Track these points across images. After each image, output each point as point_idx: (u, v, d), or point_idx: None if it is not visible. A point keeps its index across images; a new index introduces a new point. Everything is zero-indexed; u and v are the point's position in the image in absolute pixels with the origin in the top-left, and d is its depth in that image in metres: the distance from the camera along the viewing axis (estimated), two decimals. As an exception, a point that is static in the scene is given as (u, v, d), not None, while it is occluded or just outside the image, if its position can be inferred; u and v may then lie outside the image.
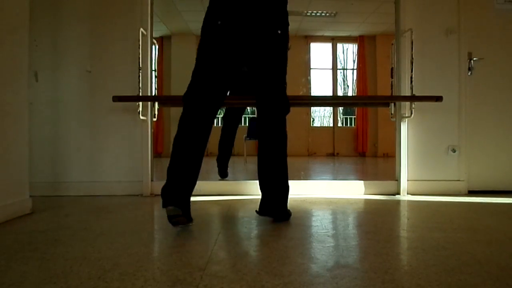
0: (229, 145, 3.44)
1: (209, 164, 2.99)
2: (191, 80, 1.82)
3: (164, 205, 1.67)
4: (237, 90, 2.85)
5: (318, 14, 6.83)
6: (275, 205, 1.85)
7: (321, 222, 1.93)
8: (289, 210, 1.93)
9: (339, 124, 8.58)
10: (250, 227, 1.83)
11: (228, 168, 3.43)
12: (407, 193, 2.84)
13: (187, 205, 1.70)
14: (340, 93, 8.82)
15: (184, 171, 1.72)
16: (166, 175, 1.73)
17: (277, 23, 1.80)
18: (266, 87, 1.85)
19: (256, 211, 1.89)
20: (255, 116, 6.95)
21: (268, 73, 1.84)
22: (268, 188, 1.85)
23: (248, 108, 5.50)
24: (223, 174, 3.36)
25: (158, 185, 2.80)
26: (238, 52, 1.79)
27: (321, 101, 3.93)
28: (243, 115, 3.91)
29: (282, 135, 1.86)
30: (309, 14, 6.83)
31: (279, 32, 1.79)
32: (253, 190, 2.76)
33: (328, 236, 1.67)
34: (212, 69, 1.80)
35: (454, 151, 2.92)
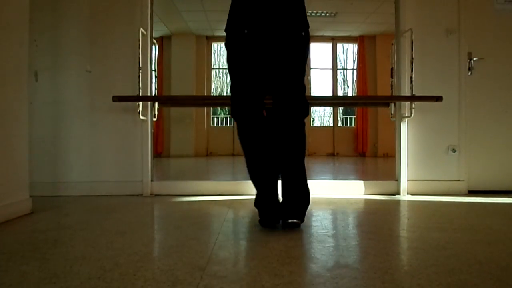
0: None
1: (210, 164, 2.99)
2: (232, 95, 1.86)
3: (264, 225, 1.77)
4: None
5: (318, 14, 6.83)
6: (294, 212, 1.76)
7: (321, 222, 1.93)
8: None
9: (339, 124, 8.57)
10: (250, 227, 1.83)
11: (228, 168, 3.43)
12: (407, 193, 2.84)
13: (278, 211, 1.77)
14: (340, 93, 8.81)
15: (264, 180, 1.83)
16: (254, 187, 1.87)
17: (301, 25, 1.81)
18: (286, 88, 1.83)
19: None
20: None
21: (289, 74, 1.82)
22: (288, 195, 1.79)
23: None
24: None
25: (158, 185, 2.82)
26: (268, 58, 1.79)
27: (321, 101, 3.93)
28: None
29: (301, 137, 1.83)
30: (309, 14, 6.80)
31: (303, 34, 1.80)
32: (253, 190, 2.76)
33: (328, 236, 1.67)
34: (250, 80, 1.82)
35: (454, 151, 2.92)
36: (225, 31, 1.86)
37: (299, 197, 1.78)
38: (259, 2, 1.77)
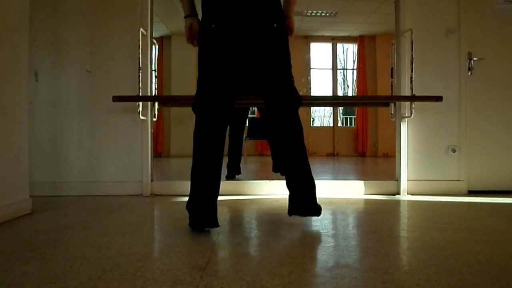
0: (238, 148, 3.45)
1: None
2: (197, 90, 1.80)
3: (194, 229, 1.70)
4: (241, 91, 2.85)
5: (318, 14, 6.83)
6: (305, 201, 1.77)
7: (321, 222, 1.93)
8: (319, 205, 1.87)
9: (339, 124, 8.58)
10: (250, 227, 1.83)
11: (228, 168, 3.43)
12: (407, 193, 2.84)
13: (214, 218, 1.70)
14: (340, 93, 8.82)
15: (208, 184, 1.72)
16: (190, 188, 1.73)
17: (272, 17, 1.76)
18: (272, 83, 1.81)
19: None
20: (255, 116, 6.95)
21: (271, 69, 1.79)
22: (295, 185, 1.78)
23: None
24: (232, 174, 3.36)
25: (158, 185, 2.82)
26: (238, 53, 1.76)
27: (321, 101, 3.93)
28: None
29: (297, 129, 1.80)
30: (309, 14, 6.83)
31: (275, 25, 1.75)
32: (253, 190, 2.76)
33: (328, 236, 1.67)
34: (216, 75, 1.76)
35: (454, 151, 2.92)
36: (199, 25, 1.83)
37: (309, 190, 1.78)
38: None
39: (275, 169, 3.43)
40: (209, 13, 1.77)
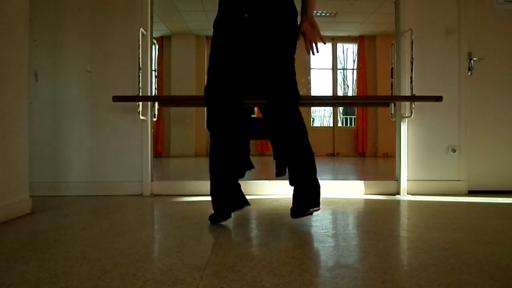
0: (245, 148, 3.38)
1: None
2: (208, 78, 1.81)
3: (222, 215, 1.76)
4: (245, 90, 2.82)
5: (318, 14, 6.82)
6: (308, 201, 1.73)
7: (321, 222, 1.93)
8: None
9: (339, 124, 8.58)
10: (250, 227, 1.83)
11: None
12: (407, 193, 2.84)
13: (243, 197, 1.75)
14: (340, 93, 8.82)
15: (228, 168, 1.76)
16: (210, 177, 1.78)
17: (283, 12, 1.79)
18: (272, 77, 1.81)
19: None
20: (255, 116, 6.95)
21: (273, 62, 1.80)
22: (301, 185, 1.76)
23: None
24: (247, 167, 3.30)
25: (158, 185, 2.82)
26: (247, 44, 1.78)
27: (321, 101, 3.93)
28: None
29: (298, 124, 1.78)
30: (309, 14, 6.83)
31: (285, 20, 1.78)
32: (253, 190, 2.76)
33: (328, 236, 1.67)
34: (233, 62, 1.78)
35: (454, 151, 2.92)
36: (218, 14, 1.83)
37: (312, 186, 1.76)
38: None
39: (278, 173, 3.38)
40: (223, 5, 1.81)
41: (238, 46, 1.78)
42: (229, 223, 1.95)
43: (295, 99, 1.81)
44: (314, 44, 1.86)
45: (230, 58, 1.79)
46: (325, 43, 1.93)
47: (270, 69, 1.81)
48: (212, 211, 1.84)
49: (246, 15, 1.75)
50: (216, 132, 1.78)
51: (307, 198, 1.73)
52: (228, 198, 1.74)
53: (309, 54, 1.88)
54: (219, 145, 1.77)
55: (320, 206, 1.76)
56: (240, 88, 1.81)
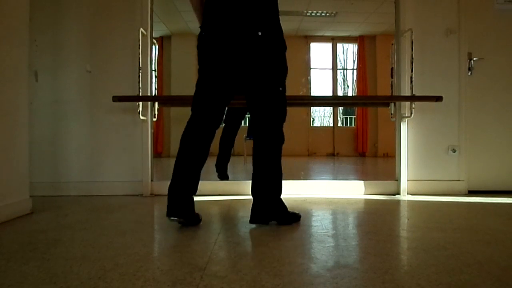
0: (229, 146, 3.39)
1: (210, 164, 2.99)
2: (196, 92, 1.91)
3: (168, 215, 1.75)
4: (238, 91, 2.83)
5: (318, 14, 6.82)
6: (264, 210, 1.82)
7: (321, 222, 1.93)
8: (297, 213, 1.94)
9: (339, 124, 8.57)
10: (250, 227, 1.83)
11: (228, 168, 3.41)
12: (407, 193, 2.84)
13: (190, 210, 1.77)
14: (340, 93, 8.81)
15: (186, 177, 1.80)
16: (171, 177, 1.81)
17: (257, 25, 1.74)
18: (255, 94, 1.83)
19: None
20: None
21: (255, 78, 1.80)
22: (257, 193, 1.84)
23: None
24: (223, 176, 3.32)
25: (158, 185, 2.82)
26: (225, 60, 1.78)
27: (321, 101, 3.93)
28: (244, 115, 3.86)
29: (275, 142, 1.84)
30: (309, 14, 6.82)
31: (259, 34, 1.73)
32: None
33: (328, 236, 1.67)
34: (207, 80, 1.84)
35: (454, 151, 2.92)
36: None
37: (266, 200, 1.82)
38: (218, 4, 1.78)
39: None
40: (203, 21, 1.86)
41: (214, 62, 1.81)
42: (228, 223, 1.95)
43: (278, 119, 1.86)
44: None
45: (208, 74, 1.84)
46: None
47: (252, 85, 1.83)
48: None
49: (203, 34, 1.82)
50: (188, 143, 1.82)
51: (257, 212, 1.83)
52: (174, 203, 1.76)
53: None
54: (186, 152, 1.82)
55: (268, 223, 1.84)
56: (219, 103, 1.86)
